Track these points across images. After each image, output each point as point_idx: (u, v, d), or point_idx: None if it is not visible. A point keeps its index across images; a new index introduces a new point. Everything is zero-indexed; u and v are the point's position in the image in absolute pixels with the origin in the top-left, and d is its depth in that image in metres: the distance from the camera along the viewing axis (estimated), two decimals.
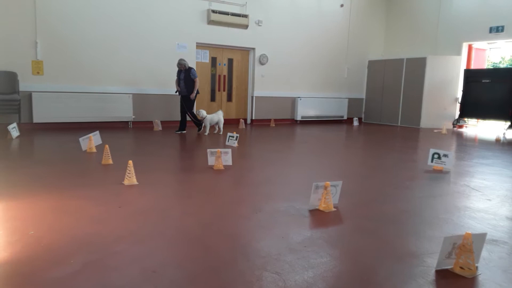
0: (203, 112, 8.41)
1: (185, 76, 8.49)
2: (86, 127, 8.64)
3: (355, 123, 12.43)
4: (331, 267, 2.44)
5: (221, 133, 8.70)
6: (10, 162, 5.18)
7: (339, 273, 2.36)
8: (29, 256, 2.43)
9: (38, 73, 8.43)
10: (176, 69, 8.86)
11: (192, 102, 8.66)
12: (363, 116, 13.58)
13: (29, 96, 8.31)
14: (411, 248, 2.79)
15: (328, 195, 3.49)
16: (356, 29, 12.85)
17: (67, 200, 3.58)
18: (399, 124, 12.34)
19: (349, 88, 13.12)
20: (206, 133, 8.54)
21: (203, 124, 8.59)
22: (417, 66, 11.77)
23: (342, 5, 12.34)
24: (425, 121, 11.81)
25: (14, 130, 7.12)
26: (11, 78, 8.09)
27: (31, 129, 8.28)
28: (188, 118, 8.82)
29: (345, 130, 10.87)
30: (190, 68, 8.55)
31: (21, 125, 7.92)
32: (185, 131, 8.76)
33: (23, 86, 8.25)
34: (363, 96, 13.50)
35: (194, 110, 9.07)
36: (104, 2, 8.92)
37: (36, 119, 8.36)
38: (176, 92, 8.66)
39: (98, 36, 8.93)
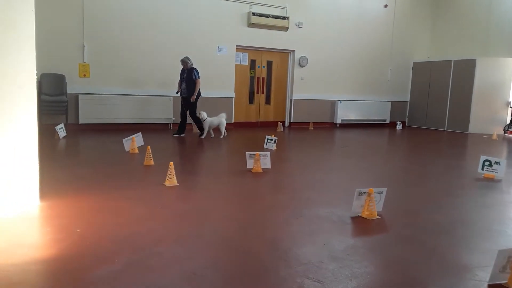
0: (204, 114, 8.07)
1: (187, 76, 8.11)
2: (128, 128, 8.88)
3: (399, 127, 12.02)
4: (376, 278, 2.32)
5: (222, 136, 8.27)
6: (57, 162, 5.39)
7: (384, 285, 2.25)
8: (75, 253, 2.49)
9: (84, 75, 8.77)
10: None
11: (194, 105, 8.23)
12: (406, 120, 13.12)
13: (75, 98, 8.66)
14: (462, 260, 2.62)
15: (372, 202, 3.35)
16: (401, 29, 12.45)
17: (110, 200, 3.66)
18: (445, 129, 11.81)
19: (392, 91, 12.73)
20: (203, 136, 8.15)
21: (203, 127, 8.18)
22: (466, 68, 11.22)
23: (386, 6, 12.00)
24: (474, 126, 11.23)
25: (61, 131, 7.43)
26: (60, 80, 8.46)
27: (77, 129, 8.62)
28: (189, 121, 8.48)
29: (387, 134, 10.54)
30: (193, 69, 8.14)
31: (68, 126, 8.26)
32: (183, 135, 8.40)
33: (71, 88, 8.60)
34: (407, 99, 13.04)
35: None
36: (147, 7, 9.15)
37: (82, 120, 8.69)
38: (177, 93, 8.44)
39: (141, 40, 9.17)
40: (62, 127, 7.49)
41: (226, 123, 8.47)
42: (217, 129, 8.37)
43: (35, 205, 3.37)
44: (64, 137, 7.44)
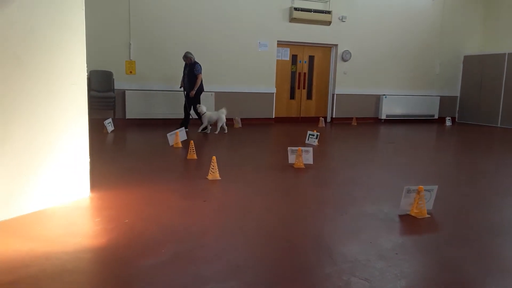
0: (203, 108, 7.83)
1: (189, 71, 7.96)
2: (172, 123, 9.07)
3: (448, 122, 11.47)
4: (427, 278, 2.22)
5: (217, 132, 7.94)
6: (106, 155, 5.60)
7: (436, 285, 2.14)
8: (124, 243, 2.57)
9: (130, 72, 9.06)
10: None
11: (197, 100, 8.04)
12: (456, 115, 12.50)
13: (122, 94, 8.96)
14: None
15: (422, 200, 3.21)
16: (450, 21, 11.85)
17: (157, 192, 3.75)
18: (499, 125, 11.14)
19: (441, 85, 12.16)
20: (199, 130, 7.95)
21: (202, 121, 7.93)
22: None
23: None
24: None
25: (109, 125, 7.73)
26: (108, 77, 8.78)
27: (124, 124, 8.92)
28: (193, 116, 8.25)
29: (436, 130, 10.09)
30: (195, 63, 7.96)
31: (115, 120, 8.57)
32: (187, 129, 7.94)
33: (118, 85, 8.91)
34: (457, 93, 12.42)
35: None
36: (191, 6, 9.28)
37: (128, 115, 8.99)
38: (180, 87, 8.29)
39: (184, 38, 9.33)
40: (110, 122, 7.78)
41: (227, 118, 8.12)
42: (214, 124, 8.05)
43: (86, 196, 3.52)
44: (112, 131, 7.72)
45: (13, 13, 2.88)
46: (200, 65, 8.06)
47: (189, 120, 8.33)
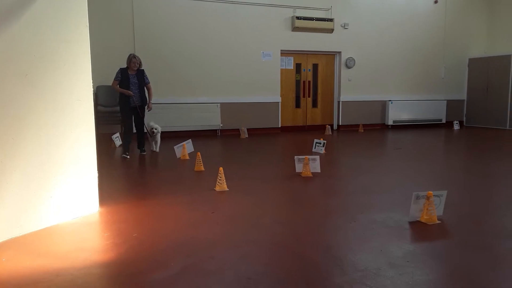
0: (157, 125, 6.94)
1: (139, 79, 6.49)
2: (178, 135, 9.12)
3: (456, 126, 11.38)
4: (439, 286, 2.18)
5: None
6: (114, 169, 5.64)
7: None
8: (133, 257, 2.57)
9: None
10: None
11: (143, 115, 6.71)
12: (464, 119, 12.40)
13: None
14: None
15: (431, 206, 3.17)
16: (454, 24, 11.84)
17: (165, 205, 3.76)
18: (507, 127, 11.02)
19: (447, 89, 12.11)
20: (156, 150, 7.02)
21: (153, 140, 6.97)
22: None
23: (436, 1, 11.48)
24: None
25: (117, 139, 7.78)
26: (114, 92, 8.85)
27: (132, 138, 8.96)
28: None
29: (444, 134, 10.02)
30: (143, 70, 6.66)
31: (122, 135, 8.61)
32: (145, 152, 6.88)
33: None
34: (464, 97, 12.35)
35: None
36: (194, 18, 9.38)
37: (134, 129, 9.04)
38: (132, 99, 6.45)
39: (188, 51, 9.41)
40: (117, 136, 7.84)
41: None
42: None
43: (95, 211, 3.53)
44: (120, 145, 7.77)
45: (20, 32, 2.93)
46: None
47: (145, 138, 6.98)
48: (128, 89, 6.39)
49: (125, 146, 6.62)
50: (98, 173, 3.63)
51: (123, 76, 6.41)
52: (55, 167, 3.21)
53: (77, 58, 3.38)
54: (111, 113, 8.64)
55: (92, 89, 3.53)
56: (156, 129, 6.85)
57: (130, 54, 6.53)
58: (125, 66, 6.53)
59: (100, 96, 8.65)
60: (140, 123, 6.75)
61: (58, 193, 3.24)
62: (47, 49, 3.12)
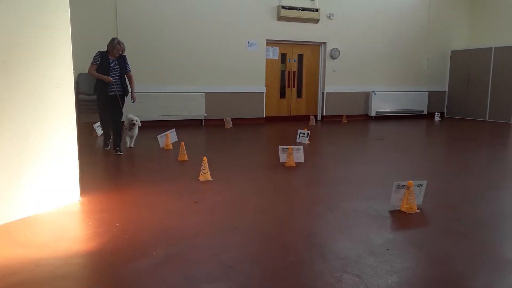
0: (137, 117, 6.15)
1: (120, 66, 5.83)
2: (162, 125, 9.04)
3: (437, 118, 11.59)
4: (418, 273, 2.24)
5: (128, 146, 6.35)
6: (96, 158, 5.56)
7: (427, 280, 2.16)
8: (115, 247, 2.55)
9: None
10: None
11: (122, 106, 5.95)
12: (445, 110, 12.63)
13: None
14: (508, 255, 2.48)
15: (411, 196, 3.24)
16: (436, 17, 11.97)
17: (147, 195, 3.73)
18: (487, 119, 11.28)
19: (429, 81, 12.28)
20: (132, 145, 6.31)
21: (129, 135, 6.23)
22: (508, 56, 10.64)
23: None
24: None
25: (99, 128, 7.66)
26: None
27: None
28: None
29: (425, 125, 10.19)
30: (125, 56, 5.97)
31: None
32: (121, 152, 5.83)
33: None
34: (446, 89, 12.55)
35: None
36: (178, 5, 9.25)
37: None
38: (111, 87, 5.76)
39: (173, 38, 9.29)
40: (99, 125, 7.71)
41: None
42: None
43: (76, 200, 3.49)
44: (101, 134, 7.66)
45: None
46: None
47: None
48: (107, 75, 5.67)
49: (106, 140, 6.12)
50: (79, 162, 3.58)
51: (102, 60, 5.67)
52: (35, 156, 3.15)
53: (58, 44, 3.30)
54: (93, 101, 8.46)
55: (73, 76, 3.46)
56: (136, 121, 6.06)
57: (115, 39, 5.72)
58: (105, 49, 5.82)
59: (82, 84, 8.48)
60: (118, 114, 5.87)
61: (38, 182, 3.18)
62: (26, 35, 3.04)
